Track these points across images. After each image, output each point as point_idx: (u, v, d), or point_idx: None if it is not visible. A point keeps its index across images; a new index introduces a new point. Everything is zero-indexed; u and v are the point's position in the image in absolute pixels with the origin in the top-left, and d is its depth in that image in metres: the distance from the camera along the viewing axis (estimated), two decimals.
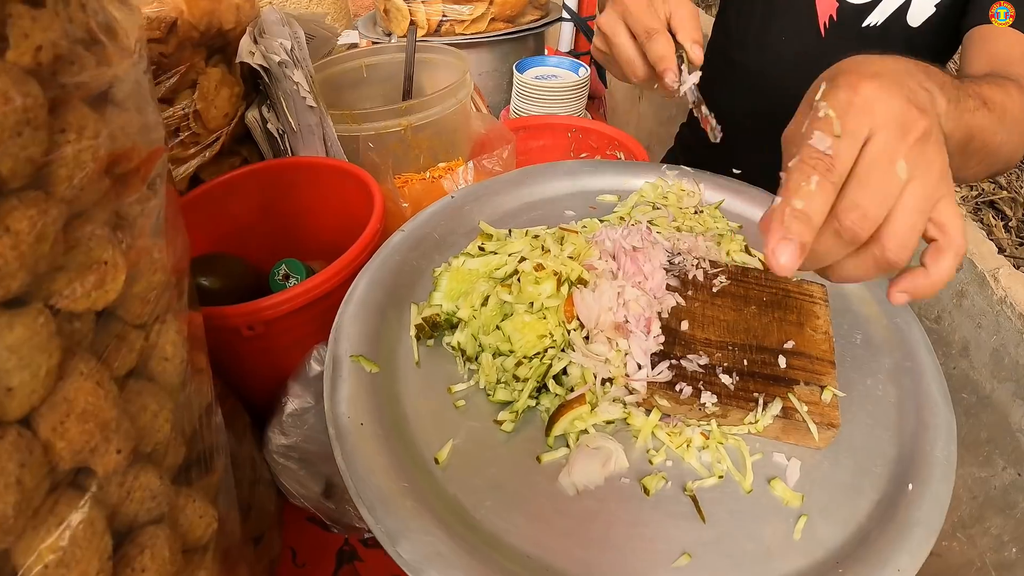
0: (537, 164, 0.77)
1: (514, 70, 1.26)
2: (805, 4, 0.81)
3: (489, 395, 0.51)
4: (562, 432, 0.48)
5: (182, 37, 0.69)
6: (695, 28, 0.53)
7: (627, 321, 0.50)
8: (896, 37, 0.74)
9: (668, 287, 0.55)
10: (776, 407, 0.48)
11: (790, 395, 0.49)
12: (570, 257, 0.53)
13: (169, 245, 0.42)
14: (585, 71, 1.25)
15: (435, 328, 0.56)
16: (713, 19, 0.99)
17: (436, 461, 0.46)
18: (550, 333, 0.50)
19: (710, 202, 0.73)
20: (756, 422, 0.48)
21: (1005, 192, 1.71)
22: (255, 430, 0.68)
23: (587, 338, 0.50)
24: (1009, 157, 0.52)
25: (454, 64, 0.98)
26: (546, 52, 1.47)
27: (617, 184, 0.76)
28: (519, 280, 0.52)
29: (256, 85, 0.85)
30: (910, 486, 0.45)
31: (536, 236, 0.60)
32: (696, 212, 0.71)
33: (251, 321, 0.64)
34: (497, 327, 0.51)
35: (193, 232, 0.77)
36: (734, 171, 0.77)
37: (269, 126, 0.83)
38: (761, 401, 0.48)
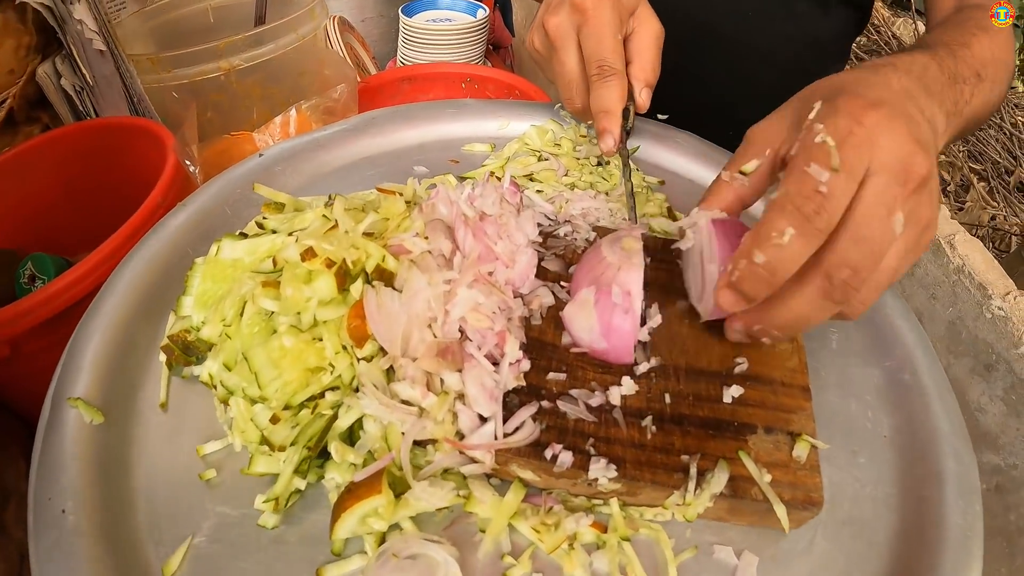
0: (384, 108, 0.55)
1: (400, 14, 1.03)
2: None
3: (244, 467, 0.29)
4: (351, 535, 0.27)
5: None
6: (653, 60, 0.47)
7: (464, 339, 0.29)
8: None
9: (541, 274, 0.35)
10: (719, 480, 0.28)
11: (741, 454, 0.29)
12: (367, 234, 0.31)
13: None
14: (484, 12, 1.03)
15: (188, 351, 0.34)
16: None
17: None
18: (330, 365, 0.29)
19: None
20: (686, 505, 0.28)
21: (944, 157, 1.61)
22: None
23: (391, 371, 0.28)
24: (1000, 97, 0.48)
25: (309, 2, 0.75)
26: None
27: (492, 130, 0.54)
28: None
29: (56, 34, 0.62)
30: None
31: (330, 204, 0.38)
32: (599, 164, 0.51)
33: None
34: (244, 357, 0.29)
35: None
36: (659, 116, 0.57)
37: (63, 82, 0.61)
38: (693, 469, 0.29)
